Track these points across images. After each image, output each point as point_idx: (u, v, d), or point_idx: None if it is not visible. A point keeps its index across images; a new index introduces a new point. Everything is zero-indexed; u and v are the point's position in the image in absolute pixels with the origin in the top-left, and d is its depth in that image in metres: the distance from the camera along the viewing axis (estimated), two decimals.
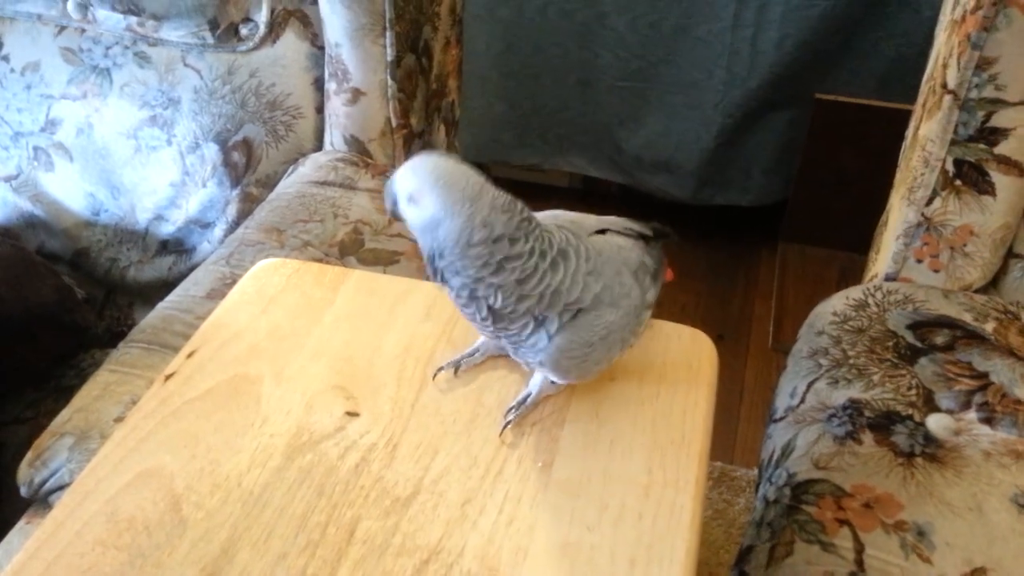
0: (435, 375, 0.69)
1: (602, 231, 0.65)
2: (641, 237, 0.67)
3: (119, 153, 1.16)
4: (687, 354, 0.72)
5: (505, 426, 0.65)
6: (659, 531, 0.59)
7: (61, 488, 0.77)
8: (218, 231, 1.14)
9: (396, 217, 0.60)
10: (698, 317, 1.80)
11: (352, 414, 0.67)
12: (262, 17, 1.12)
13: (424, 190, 0.57)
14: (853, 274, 1.82)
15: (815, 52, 1.68)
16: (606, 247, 0.63)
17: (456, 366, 0.69)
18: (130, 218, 1.17)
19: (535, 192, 2.08)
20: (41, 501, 0.79)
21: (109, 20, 1.16)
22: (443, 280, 0.59)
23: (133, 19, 1.14)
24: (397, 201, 0.59)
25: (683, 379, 0.69)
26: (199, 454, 0.64)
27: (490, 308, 0.59)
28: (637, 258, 0.65)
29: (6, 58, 1.19)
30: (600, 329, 0.61)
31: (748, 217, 1.94)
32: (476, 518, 0.60)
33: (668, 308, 1.80)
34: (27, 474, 0.79)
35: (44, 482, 0.78)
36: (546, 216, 0.64)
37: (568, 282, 0.60)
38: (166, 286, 1.10)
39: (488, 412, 0.67)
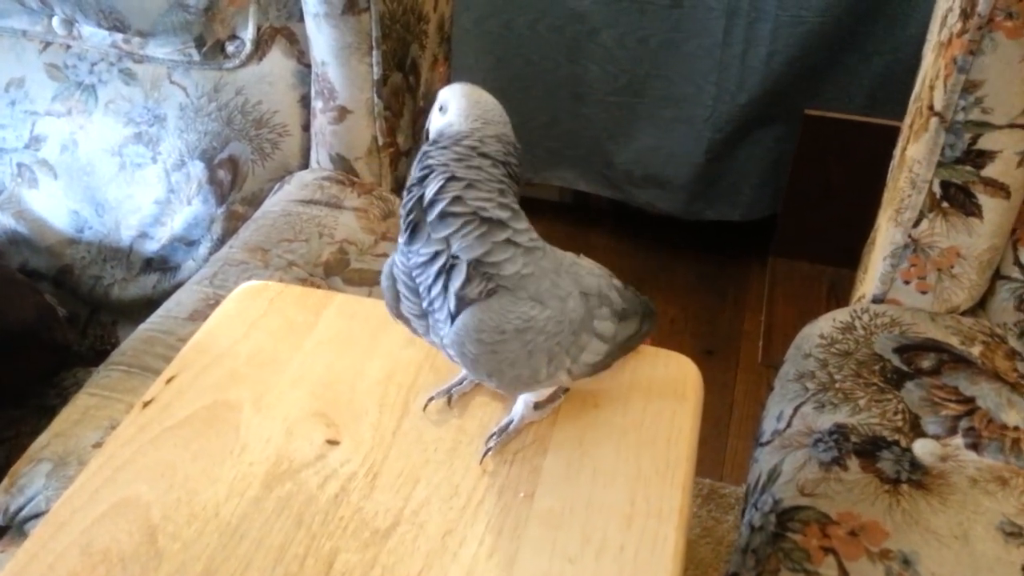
0: (426, 406, 0.68)
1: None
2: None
3: (104, 170, 1.15)
4: (672, 380, 0.71)
5: (485, 453, 0.65)
6: (642, 563, 0.58)
7: (37, 516, 0.76)
8: (203, 249, 1.14)
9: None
10: (687, 332, 1.79)
11: (332, 442, 0.66)
12: (248, 35, 1.11)
13: (455, 99, 0.59)
14: (842, 289, 1.82)
15: (804, 68, 1.68)
16: (565, 259, 0.62)
17: (448, 395, 0.69)
18: (114, 235, 1.16)
19: (526, 206, 2.05)
20: (17, 528, 0.78)
21: (94, 37, 1.15)
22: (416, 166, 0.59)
23: (119, 36, 1.14)
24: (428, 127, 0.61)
25: (667, 406, 0.69)
26: (176, 483, 0.63)
27: (418, 206, 0.56)
28: (598, 286, 0.62)
29: None
30: (515, 319, 0.56)
31: (737, 232, 1.94)
32: (456, 550, 0.59)
33: (657, 323, 1.80)
34: (2, 501, 0.78)
35: (20, 509, 0.77)
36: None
37: (498, 239, 0.56)
38: (150, 304, 1.09)
39: (470, 440, 0.67)
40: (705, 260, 1.97)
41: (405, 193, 0.59)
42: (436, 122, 0.60)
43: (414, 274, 0.59)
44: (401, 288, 0.61)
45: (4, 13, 1.16)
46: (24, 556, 0.59)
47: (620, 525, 0.60)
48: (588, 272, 0.63)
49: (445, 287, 0.57)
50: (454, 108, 0.59)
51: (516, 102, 1.86)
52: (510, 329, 0.57)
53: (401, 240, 0.59)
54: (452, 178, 0.57)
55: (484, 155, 0.57)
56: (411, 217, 0.57)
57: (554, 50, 1.79)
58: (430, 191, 0.57)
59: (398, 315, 0.63)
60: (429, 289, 0.58)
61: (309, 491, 0.63)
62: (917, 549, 0.71)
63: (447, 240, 0.57)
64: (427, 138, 0.61)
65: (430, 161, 0.58)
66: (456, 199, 0.56)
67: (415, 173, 0.58)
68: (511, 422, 0.66)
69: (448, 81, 1.25)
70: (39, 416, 1.00)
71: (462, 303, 0.57)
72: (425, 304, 0.59)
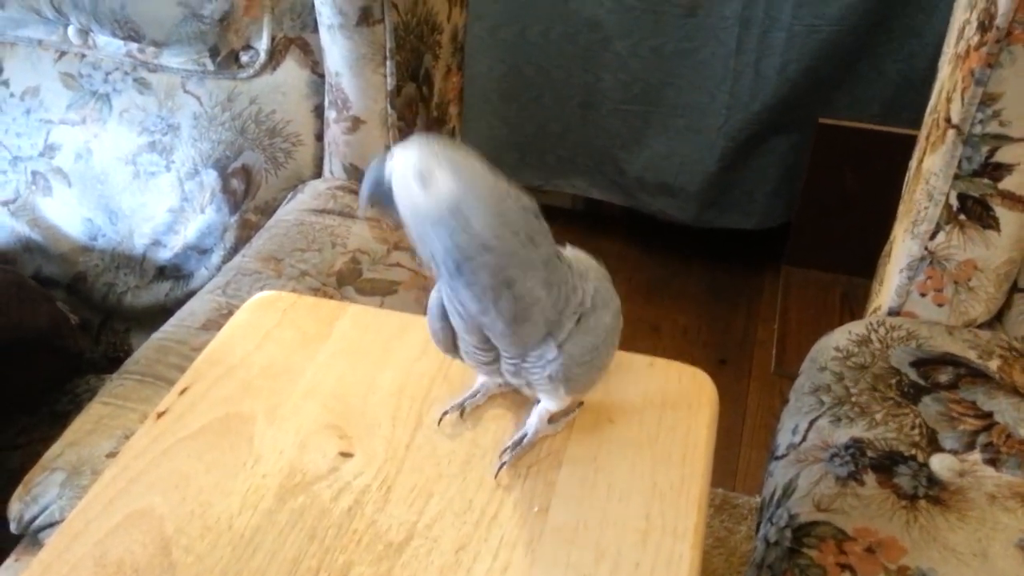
0: (440, 420, 0.68)
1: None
2: None
3: (117, 178, 1.16)
4: (687, 394, 0.71)
5: (500, 467, 0.64)
6: None
7: (51, 525, 0.76)
8: (216, 257, 1.14)
9: (379, 203, 0.50)
10: (700, 341, 1.79)
11: (346, 454, 0.66)
12: (263, 45, 1.11)
13: (439, 167, 0.49)
14: (855, 298, 1.82)
15: (818, 77, 1.68)
16: (580, 256, 0.62)
17: (461, 408, 0.68)
18: (128, 243, 1.16)
19: None
20: (31, 537, 0.78)
21: (109, 46, 1.16)
22: (459, 277, 0.52)
23: (133, 45, 1.14)
24: (392, 181, 0.50)
25: (682, 421, 0.68)
26: (190, 495, 0.63)
27: (511, 305, 0.53)
28: (597, 267, 0.63)
29: (6, 83, 1.19)
30: (602, 331, 0.59)
31: (750, 240, 1.93)
32: (470, 565, 0.59)
33: (670, 332, 1.80)
34: (17, 510, 0.78)
35: (34, 518, 0.77)
36: None
37: (575, 281, 0.57)
38: (163, 312, 1.10)
39: (484, 454, 0.66)
40: (717, 269, 1.97)
41: (462, 322, 0.57)
42: (420, 200, 0.50)
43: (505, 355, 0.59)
44: (463, 334, 0.59)
45: (20, 23, 1.17)
46: (39, 566, 0.58)
47: (635, 541, 0.60)
48: (587, 258, 0.63)
49: (546, 339, 0.58)
50: (447, 182, 0.50)
51: (528, 110, 1.88)
52: (600, 343, 0.59)
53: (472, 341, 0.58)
54: (525, 284, 0.53)
55: (529, 229, 0.53)
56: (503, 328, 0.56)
57: (567, 58, 1.79)
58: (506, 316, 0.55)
59: (448, 351, 0.63)
60: (533, 345, 0.58)
61: (322, 504, 0.62)
62: (935, 566, 0.70)
63: (545, 315, 0.56)
64: (377, 204, 0.52)
65: (482, 285, 0.53)
66: (539, 299, 0.55)
67: (460, 312, 0.56)
68: (525, 435, 0.66)
69: (461, 91, 1.25)
70: (52, 423, 1.00)
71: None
72: (516, 361, 0.59)
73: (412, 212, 0.51)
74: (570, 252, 0.62)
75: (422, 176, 0.49)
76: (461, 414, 0.69)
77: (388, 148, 0.91)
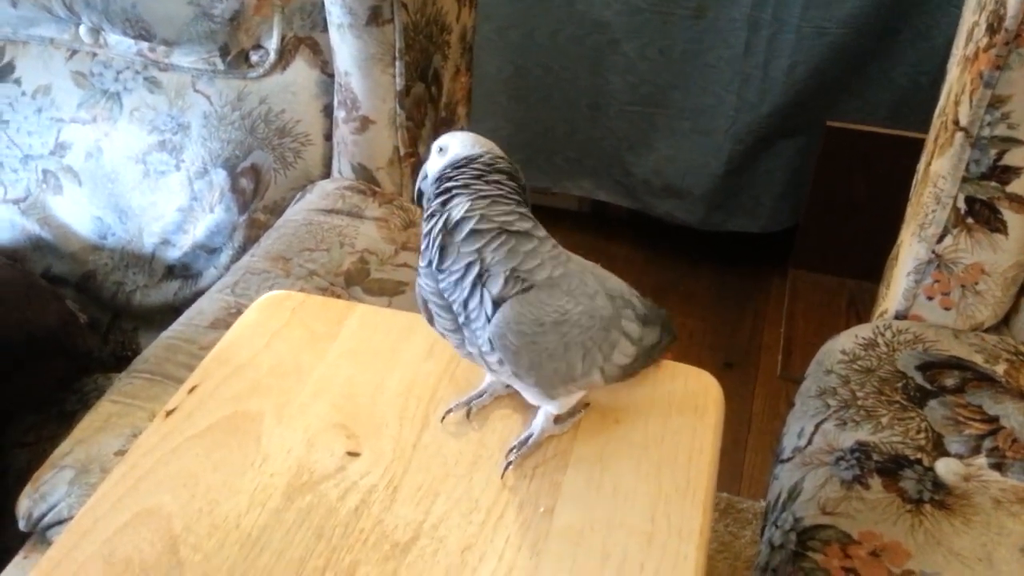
0: (443, 417, 0.68)
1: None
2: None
3: (128, 177, 1.16)
4: (693, 395, 0.71)
5: (506, 467, 0.65)
6: None
7: (60, 523, 0.77)
8: (225, 257, 1.14)
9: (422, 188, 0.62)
10: (706, 344, 1.79)
11: (353, 454, 0.66)
12: (272, 44, 1.12)
13: (454, 139, 0.61)
14: (862, 302, 1.81)
15: (826, 79, 1.68)
16: (586, 265, 0.63)
17: (468, 408, 0.69)
18: (137, 242, 1.17)
19: (544, 215, 2.05)
20: (39, 534, 0.79)
21: (120, 45, 1.16)
22: (424, 198, 0.61)
23: (144, 44, 1.15)
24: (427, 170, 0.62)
25: (688, 422, 0.68)
26: (198, 494, 0.63)
27: (444, 230, 0.58)
28: (619, 289, 0.64)
29: (18, 81, 1.19)
30: (552, 312, 0.58)
31: (757, 244, 1.93)
32: (476, 565, 0.59)
33: (677, 337, 1.79)
34: (26, 507, 0.78)
35: (43, 516, 0.78)
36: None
37: (527, 249, 0.59)
38: (172, 311, 1.10)
39: (490, 454, 0.66)
40: (724, 272, 1.97)
41: (425, 220, 0.60)
42: (435, 164, 0.62)
43: (445, 294, 0.60)
44: (433, 308, 0.62)
45: (32, 22, 1.18)
46: (48, 564, 0.59)
47: (640, 543, 0.60)
48: (608, 276, 0.64)
49: (482, 295, 0.58)
50: (455, 143, 0.61)
51: (536, 111, 1.89)
52: (548, 321, 0.58)
53: (422, 263, 0.60)
54: (477, 197, 0.58)
55: (499, 171, 0.60)
56: (438, 241, 0.58)
57: (575, 60, 1.79)
58: (456, 212, 0.58)
59: (429, 321, 0.65)
60: (465, 303, 0.59)
61: (329, 503, 0.63)
62: (940, 571, 0.70)
63: (479, 252, 0.58)
64: (425, 178, 0.63)
65: (449, 184, 0.59)
66: (482, 216, 0.57)
67: (433, 200, 0.60)
68: (531, 435, 0.66)
69: (469, 91, 1.25)
70: (60, 421, 1.01)
71: (499, 306, 0.58)
72: (461, 319, 0.60)
73: (429, 174, 0.63)
74: (601, 271, 0.64)
75: (439, 149, 0.63)
76: (467, 414, 0.69)
77: (397, 148, 0.94)
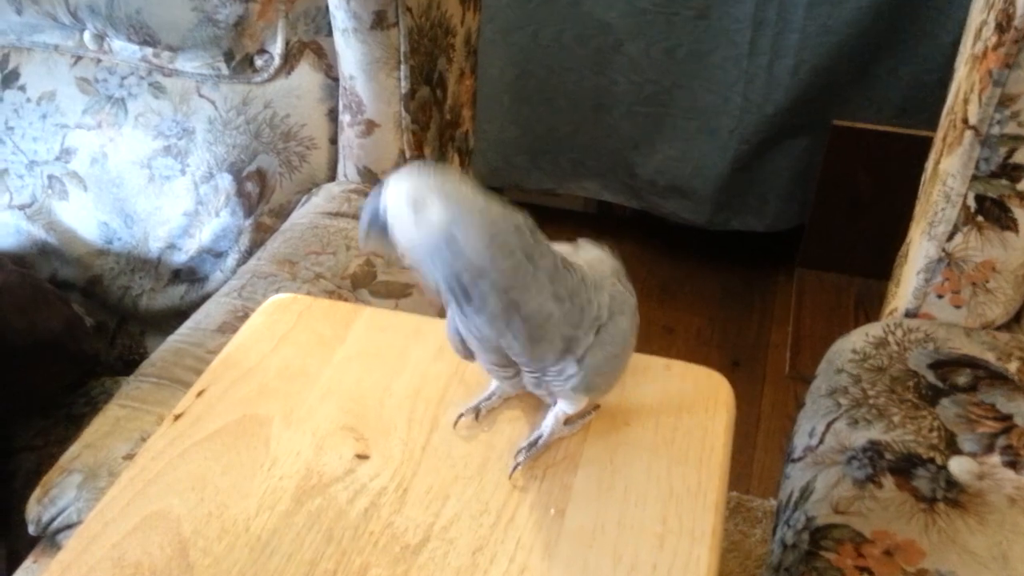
0: (456, 422, 0.68)
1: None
2: None
3: (133, 182, 1.16)
4: (703, 396, 0.70)
5: (515, 468, 0.64)
6: None
7: (69, 527, 0.77)
8: (231, 260, 1.14)
9: (378, 235, 0.51)
10: (713, 343, 1.78)
11: (362, 456, 0.66)
12: (277, 49, 1.12)
13: (429, 196, 0.49)
14: (869, 300, 1.81)
15: (832, 78, 1.67)
16: (589, 262, 0.62)
17: (476, 411, 0.68)
18: (143, 247, 1.17)
19: (549, 216, 2.06)
20: (49, 539, 0.78)
21: (125, 51, 1.16)
22: (467, 304, 0.52)
23: (148, 50, 1.15)
24: (387, 213, 0.50)
25: (699, 423, 0.68)
26: (207, 497, 0.63)
27: (524, 327, 0.53)
28: (611, 265, 0.64)
29: (22, 88, 1.20)
30: (620, 338, 0.60)
31: (763, 242, 1.93)
32: (487, 567, 0.59)
33: (683, 334, 1.79)
34: (35, 511, 0.78)
35: (52, 520, 0.78)
36: None
37: (589, 293, 0.58)
38: (178, 315, 1.10)
39: (499, 456, 0.66)
40: (731, 271, 1.96)
41: (480, 344, 0.58)
42: (414, 230, 0.50)
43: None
44: (482, 354, 0.61)
45: (37, 28, 1.18)
46: (57, 568, 0.59)
47: (652, 545, 0.59)
48: (599, 258, 0.63)
49: (564, 355, 0.58)
50: (438, 209, 0.49)
51: (541, 113, 1.88)
52: (619, 350, 0.60)
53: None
54: (534, 300, 0.53)
55: (522, 238, 0.52)
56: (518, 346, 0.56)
57: (579, 61, 1.79)
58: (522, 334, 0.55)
59: (468, 358, 0.64)
60: (551, 362, 0.58)
61: (339, 506, 0.62)
62: (955, 570, 0.70)
63: (560, 332, 0.56)
64: (376, 237, 0.52)
65: (492, 308, 0.53)
66: (552, 314, 0.55)
67: (475, 335, 0.57)
68: (540, 437, 0.66)
69: (474, 94, 1.25)
70: (67, 425, 1.01)
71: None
72: (537, 375, 0.60)
73: (408, 243, 0.51)
74: (584, 253, 0.63)
75: (414, 206, 0.49)
76: (476, 416, 0.69)
77: (402, 151, 0.91)
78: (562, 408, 0.65)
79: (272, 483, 0.64)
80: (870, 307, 1.78)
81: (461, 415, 0.68)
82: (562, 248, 0.62)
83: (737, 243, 1.94)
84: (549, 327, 0.55)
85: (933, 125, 1.06)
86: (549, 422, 0.66)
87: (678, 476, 0.64)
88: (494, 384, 0.69)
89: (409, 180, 0.50)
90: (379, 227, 0.51)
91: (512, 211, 0.52)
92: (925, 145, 1.09)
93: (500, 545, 0.60)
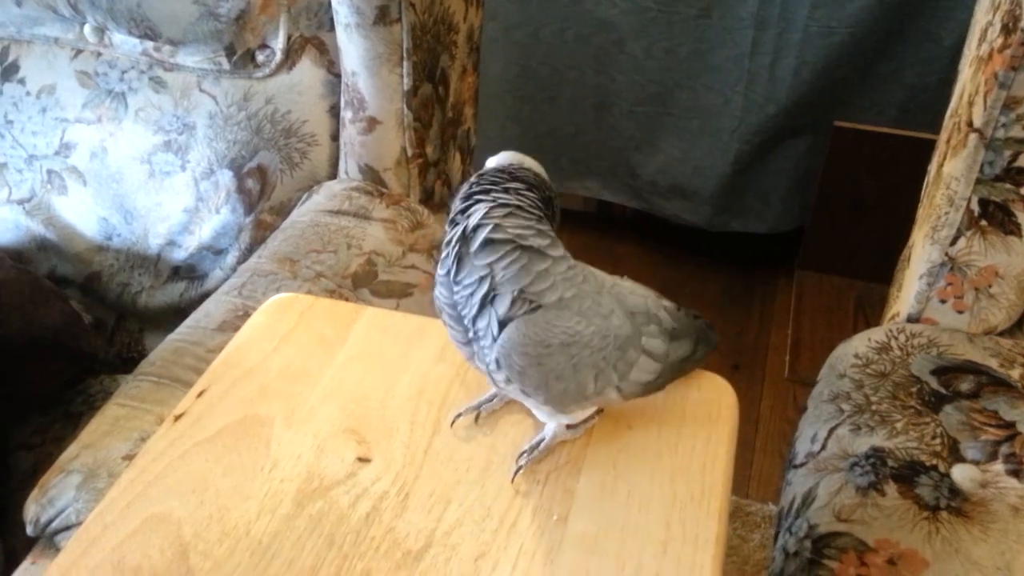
0: (453, 422, 0.67)
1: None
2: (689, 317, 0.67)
3: (133, 178, 1.16)
4: (707, 401, 0.70)
5: (516, 471, 0.64)
6: None
7: (68, 528, 0.76)
8: (231, 258, 1.14)
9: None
10: None
11: (364, 460, 0.66)
12: (279, 44, 1.11)
13: (497, 156, 0.60)
14: (870, 303, 1.80)
15: (834, 79, 1.67)
16: (606, 281, 0.62)
17: (476, 412, 0.68)
18: (142, 243, 1.16)
19: None
20: (47, 540, 0.78)
21: (125, 44, 1.15)
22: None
23: (149, 44, 1.14)
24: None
25: (702, 429, 0.67)
26: (208, 500, 0.63)
27: (462, 238, 0.56)
28: (644, 305, 0.62)
29: (22, 81, 1.19)
30: (560, 332, 0.57)
31: (764, 244, 1.92)
32: (490, 574, 0.58)
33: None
34: (33, 512, 0.77)
35: (50, 521, 0.77)
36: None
37: (539, 268, 0.57)
38: (178, 312, 1.09)
39: (502, 460, 0.66)
40: (731, 273, 1.96)
41: (448, 227, 0.58)
42: None
43: (458, 306, 0.59)
44: (445, 318, 0.61)
45: (37, 21, 1.17)
46: (56, 572, 0.58)
47: (655, 551, 0.59)
48: (631, 292, 0.63)
49: (489, 314, 0.57)
50: (495, 158, 0.61)
51: (542, 112, 1.88)
52: (555, 343, 0.57)
53: (441, 271, 0.59)
54: (496, 205, 0.57)
55: (517, 179, 0.58)
56: (457, 250, 0.57)
57: (581, 60, 1.78)
58: (473, 219, 0.57)
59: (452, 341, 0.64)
60: (474, 320, 0.58)
61: (340, 510, 0.62)
62: None
63: (491, 267, 0.57)
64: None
65: (471, 190, 0.58)
66: (497, 226, 0.56)
67: (457, 206, 0.58)
68: (542, 440, 0.65)
69: (476, 91, 1.24)
70: (65, 423, 1.00)
71: (504, 325, 0.57)
72: (470, 334, 0.59)
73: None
74: (627, 283, 0.63)
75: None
76: (476, 418, 0.68)
77: (404, 149, 0.89)
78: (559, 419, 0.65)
79: (273, 486, 0.63)
80: (870, 310, 1.77)
81: (459, 414, 0.68)
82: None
83: (737, 245, 1.94)
84: (472, 263, 0.57)
85: (936, 127, 1.06)
86: (551, 425, 0.65)
87: (681, 482, 0.63)
88: (495, 387, 0.69)
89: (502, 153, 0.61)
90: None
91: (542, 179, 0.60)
92: (928, 147, 1.08)
93: (503, 552, 0.59)
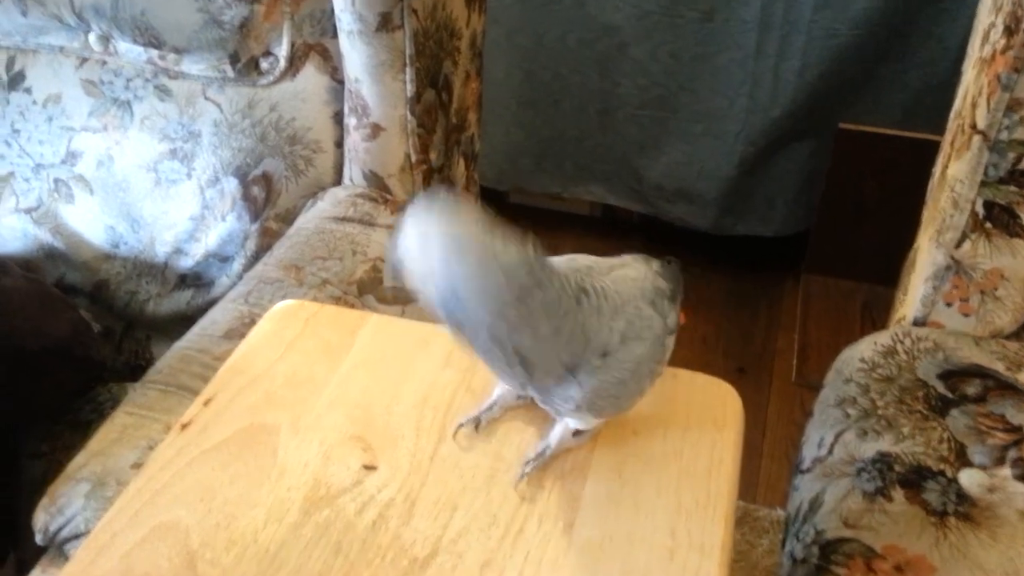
0: (455, 433, 0.68)
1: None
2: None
3: (139, 186, 1.16)
4: (712, 407, 0.70)
5: (521, 478, 0.64)
6: None
7: (77, 537, 0.76)
8: (237, 265, 1.14)
9: (398, 272, 0.52)
10: (719, 350, 1.77)
11: (370, 467, 0.66)
12: (282, 51, 1.11)
13: (435, 242, 0.49)
14: (876, 306, 1.80)
15: (838, 82, 1.67)
16: (621, 282, 0.62)
17: (476, 422, 0.68)
18: (149, 251, 1.16)
19: (555, 220, 2.07)
20: (56, 548, 0.78)
21: (130, 53, 1.16)
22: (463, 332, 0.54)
23: (154, 52, 1.14)
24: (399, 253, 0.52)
25: (708, 435, 0.67)
26: (215, 508, 0.63)
27: (521, 359, 0.55)
28: (652, 285, 0.63)
29: (28, 90, 1.19)
30: (630, 364, 0.59)
31: (769, 248, 1.92)
32: None
33: (688, 341, 1.79)
34: (42, 521, 0.78)
35: (59, 529, 0.77)
36: (561, 260, 0.62)
37: (595, 323, 0.57)
38: (184, 320, 1.10)
39: (508, 467, 0.66)
40: (737, 276, 1.95)
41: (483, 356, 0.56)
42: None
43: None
44: (491, 362, 0.59)
45: (42, 30, 1.18)
46: None
47: (661, 558, 0.59)
48: (637, 277, 0.63)
49: (567, 378, 0.58)
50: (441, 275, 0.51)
51: (546, 116, 1.88)
52: (628, 376, 0.60)
53: None
54: (529, 333, 0.54)
55: (521, 287, 0.53)
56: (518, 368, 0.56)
57: (584, 64, 1.78)
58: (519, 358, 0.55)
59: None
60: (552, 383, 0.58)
61: (347, 517, 0.62)
62: None
63: (560, 359, 0.57)
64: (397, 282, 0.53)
65: (485, 336, 0.54)
66: (550, 344, 0.55)
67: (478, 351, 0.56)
68: (548, 447, 0.65)
69: (480, 97, 1.25)
70: (74, 431, 1.00)
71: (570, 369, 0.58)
72: (533, 388, 0.60)
73: (416, 286, 0.52)
74: (623, 271, 0.63)
75: (421, 252, 0.50)
76: (476, 427, 0.68)
77: (408, 155, 0.87)
78: (570, 423, 0.65)
79: (280, 493, 0.64)
80: (877, 313, 1.77)
81: (461, 425, 0.68)
82: (601, 263, 0.63)
83: (743, 248, 1.94)
84: (546, 357, 0.56)
85: (940, 129, 1.06)
86: (557, 432, 0.66)
87: (687, 488, 0.63)
88: (495, 394, 0.69)
89: (416, 223, 0.50)
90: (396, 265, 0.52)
91: (519, 251, 0.50)
92: (932, 149, 1.08)
93: (509, 559, 0.59)
